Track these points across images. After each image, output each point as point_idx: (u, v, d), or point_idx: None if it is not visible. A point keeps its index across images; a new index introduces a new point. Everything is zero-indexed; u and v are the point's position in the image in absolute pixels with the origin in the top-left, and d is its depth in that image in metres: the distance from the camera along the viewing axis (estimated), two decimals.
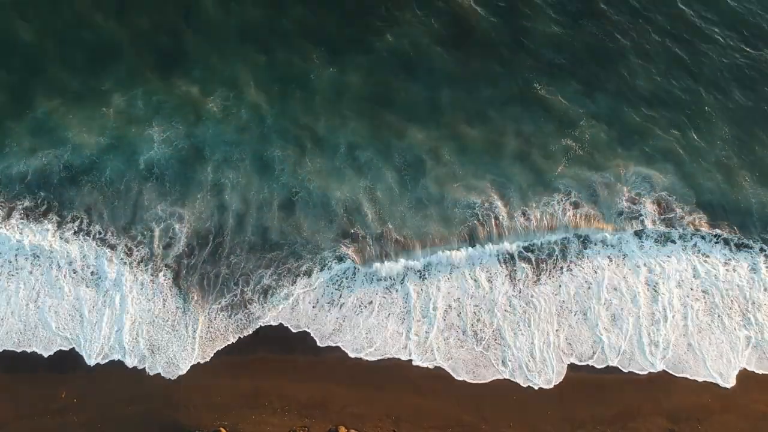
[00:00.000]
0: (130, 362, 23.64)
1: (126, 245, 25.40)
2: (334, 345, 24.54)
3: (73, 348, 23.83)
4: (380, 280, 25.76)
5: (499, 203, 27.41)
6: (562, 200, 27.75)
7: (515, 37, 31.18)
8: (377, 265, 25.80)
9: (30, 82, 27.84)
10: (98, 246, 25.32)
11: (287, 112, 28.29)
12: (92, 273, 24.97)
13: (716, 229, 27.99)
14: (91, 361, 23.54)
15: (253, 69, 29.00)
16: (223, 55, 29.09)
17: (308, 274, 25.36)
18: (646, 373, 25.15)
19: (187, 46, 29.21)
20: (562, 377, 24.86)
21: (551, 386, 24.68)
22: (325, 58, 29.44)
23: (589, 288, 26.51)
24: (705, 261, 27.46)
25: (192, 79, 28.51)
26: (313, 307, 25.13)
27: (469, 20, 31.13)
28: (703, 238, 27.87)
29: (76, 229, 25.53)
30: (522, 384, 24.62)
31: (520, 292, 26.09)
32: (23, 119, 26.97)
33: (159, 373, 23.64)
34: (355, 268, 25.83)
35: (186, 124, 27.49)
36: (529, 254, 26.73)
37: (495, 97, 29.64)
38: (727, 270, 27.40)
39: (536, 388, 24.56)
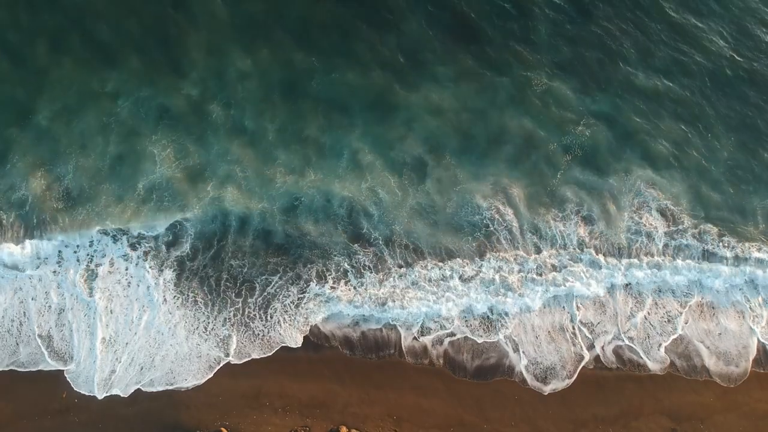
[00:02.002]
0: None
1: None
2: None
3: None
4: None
5: (505, 214, 27.36)
6: (571, 212, 27.75)
7: (516, 37, 31.42)
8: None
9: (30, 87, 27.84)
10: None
11: (290, 119, 28.44)
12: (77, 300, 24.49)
13: (724, 237, 28.06)
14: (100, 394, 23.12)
15: (253, 72, 29.17)
16: (223, 60, 29.19)
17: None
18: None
19: (187, 53, 29.23)
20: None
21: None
22: (325, 63, 29.52)
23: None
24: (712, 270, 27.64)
25: (192, 84, 28.57)
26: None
27: (469, 20, 31.28)
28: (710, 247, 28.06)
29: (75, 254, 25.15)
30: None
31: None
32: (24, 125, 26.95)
33: None
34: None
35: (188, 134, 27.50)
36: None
37: (496, 98, 29.72)
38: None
39: (545, 393, 24.60)
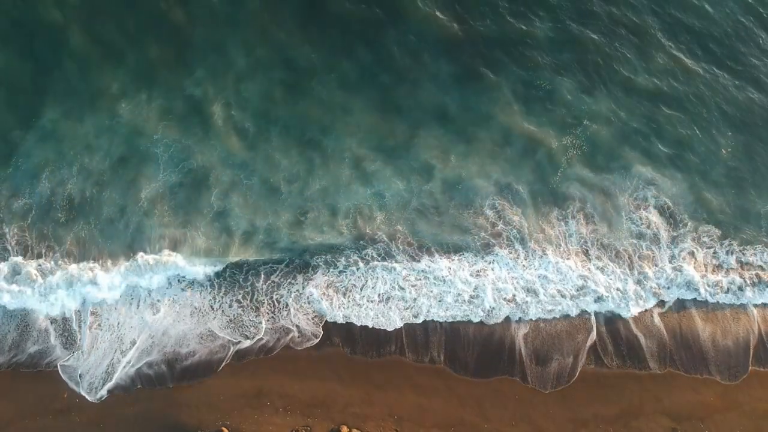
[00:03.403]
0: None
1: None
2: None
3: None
4: None
5: (509, 214, 27.51)
6: (573, 212, 27.84)
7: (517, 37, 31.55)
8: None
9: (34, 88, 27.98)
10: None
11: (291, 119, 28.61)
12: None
13: (727, 239, 28.13)
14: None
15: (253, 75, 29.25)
16: (223, 65, 29.29)
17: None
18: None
19: (187, 55, 29.29)
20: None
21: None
22: (325, 64, 29.64)
23: None
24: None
25: (194, 84, 28.64)
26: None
27: (469, 22, 31.32)
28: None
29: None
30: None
31: None
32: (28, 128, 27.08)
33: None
34: None
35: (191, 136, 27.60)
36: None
37: (498, 98, 29.80)
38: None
39: (546, 392, 24.72)
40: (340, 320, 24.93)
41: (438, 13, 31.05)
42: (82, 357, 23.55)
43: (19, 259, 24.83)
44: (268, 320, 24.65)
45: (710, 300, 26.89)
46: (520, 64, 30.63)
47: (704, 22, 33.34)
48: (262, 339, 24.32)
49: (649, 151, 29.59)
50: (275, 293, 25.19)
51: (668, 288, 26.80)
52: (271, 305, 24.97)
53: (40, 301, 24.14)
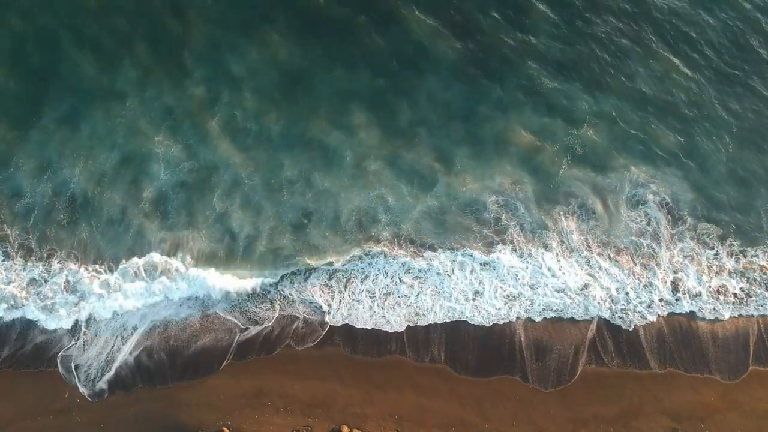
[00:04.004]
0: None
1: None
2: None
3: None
4: None
5: (510, 215, 27.67)
6: (574, 212, 27.98)
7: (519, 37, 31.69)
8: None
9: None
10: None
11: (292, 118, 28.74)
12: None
13: (728, 239, 28.19)
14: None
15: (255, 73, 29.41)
16: (224, 61, 29.42)
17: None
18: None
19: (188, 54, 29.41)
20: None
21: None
22: (325, 66, 29.78)
23: None
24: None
25: (195, 84, 28.75)
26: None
27: (470, 24, 31.50)
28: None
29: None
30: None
31: None
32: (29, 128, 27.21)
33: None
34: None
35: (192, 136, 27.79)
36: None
37: (501, 98, 29.94)
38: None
39: (546, 391, 24.73)
40: (341, 322, 24.99)
41: (436, 18, 31.27)
42: (84, 347, 23.62)
43: (20, 261, 24.90)
44: (274, 308, 24.91)
45: (718, 317, 26.73)
46: (520, 65, 30.76)
47: (702, 27, 33.57)
48: (267, 327, 24.48)
49: (648, 151, 29.70)
50: (280, 285, 25.42)
51: (673, 298, 26.84)
52: (277, 293, 25.24)
53: (45, 315, 24.24)
